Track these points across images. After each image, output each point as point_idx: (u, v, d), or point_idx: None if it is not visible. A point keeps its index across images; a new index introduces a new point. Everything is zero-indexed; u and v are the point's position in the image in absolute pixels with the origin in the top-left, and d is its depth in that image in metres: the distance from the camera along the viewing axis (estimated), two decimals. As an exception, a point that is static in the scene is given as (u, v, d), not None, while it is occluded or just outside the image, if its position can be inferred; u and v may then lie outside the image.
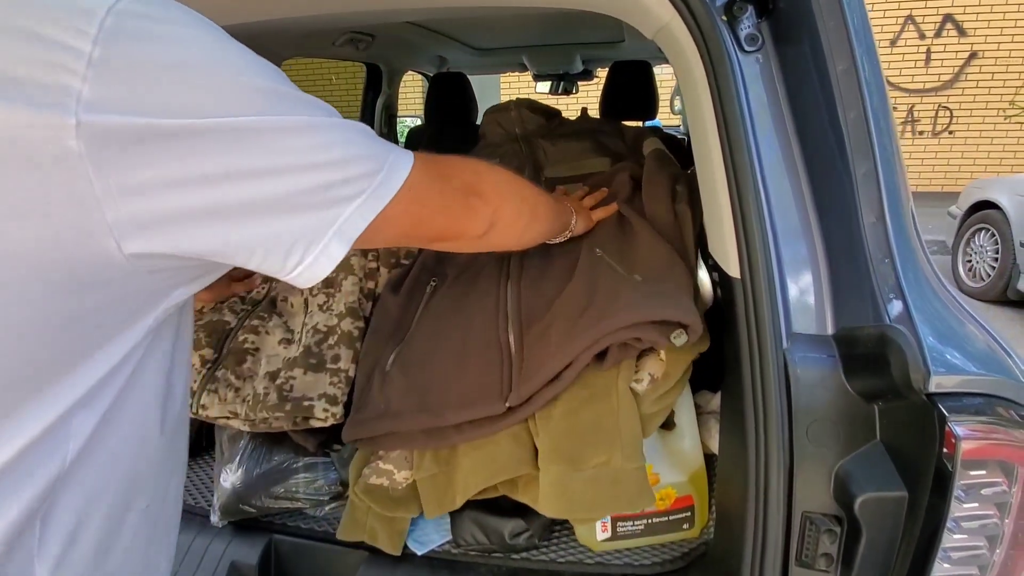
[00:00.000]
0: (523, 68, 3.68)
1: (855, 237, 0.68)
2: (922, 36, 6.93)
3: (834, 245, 0.72)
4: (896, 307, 0.63)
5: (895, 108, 7.18)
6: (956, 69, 6.91)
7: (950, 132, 7.12)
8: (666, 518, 0.94)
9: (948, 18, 6.82)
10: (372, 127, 2.58)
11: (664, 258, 0.93)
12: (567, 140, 1.41)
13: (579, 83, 3.93)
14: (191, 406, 1.08)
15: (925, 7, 6.81)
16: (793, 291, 0.72)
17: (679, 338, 0.80)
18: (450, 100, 2.96)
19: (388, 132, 3.21)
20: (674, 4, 0.77)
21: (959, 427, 0.55)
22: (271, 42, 1.90)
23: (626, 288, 0.88)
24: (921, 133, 7.23)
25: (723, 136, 0.74)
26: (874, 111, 0.69)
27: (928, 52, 6.96)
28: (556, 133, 1.46)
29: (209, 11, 1.13)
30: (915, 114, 7.16)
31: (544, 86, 4.06)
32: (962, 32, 6.76)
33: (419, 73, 3.51)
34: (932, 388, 0.57)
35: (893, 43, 7.01)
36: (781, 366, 0.68)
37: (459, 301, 1.05)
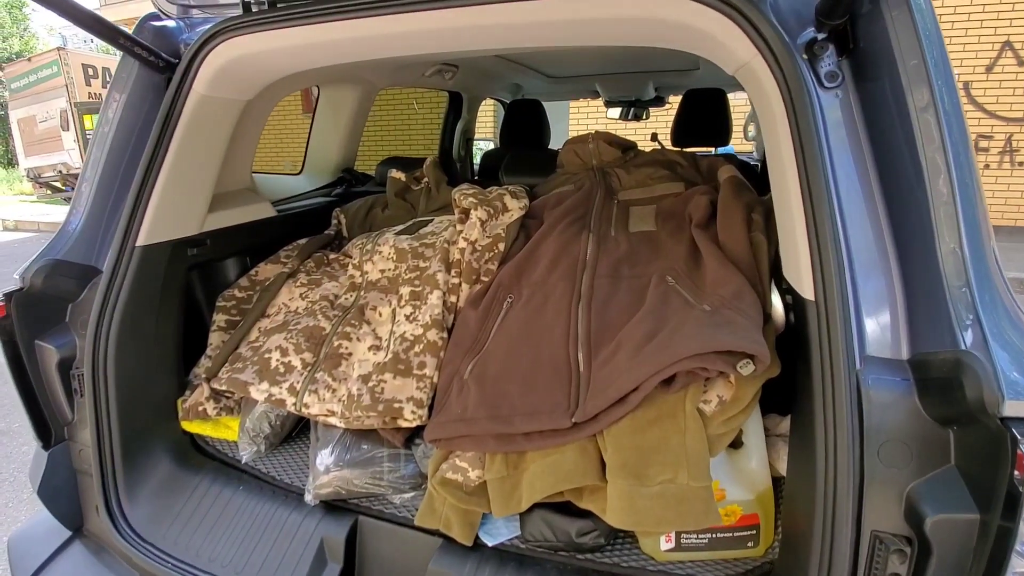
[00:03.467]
0: (595, 95, 3.78)
1: (932, 265, 0.71)
2: (1021, 62, 6.49)
3: (911, 272, 0.74)
4: (972, 333, 0.65)
5: (992, 137, 6.72)
6: (1062, 96, 6.42)
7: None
8: (731, 534, 0.96)
9: (1053, 43, 6.38)
10: (452, 150, 2.76)
11: (735, 288, 0.97)
12: (641, 168, 1.47)
13: (650, 109, 3.97)
14: (295, 405, 1.22)
15: (1026, 32, 6.41)
16: (867, 315, 0.75)
17: (746, 368, 0.84)
18: (525, 126, 3.09)
19: (465, 154, 3.38)
20: (755, 44, 0.83)
21: (1031, 452, 0.57)
22: (369, 74, 2.10)
23: (693, 318, 0.92)
24: (1021, 164, 6.72)
25: (800, 166, 0.78)
26: (953, 144, 0.71)
27: (1030, 79, 6.52)
28: (632, 163, 1.53)
29: (322, 55, 1.28)
30: (1014, 143, 6.68)
31: (614, 112, 4.12)
32: (1068, 58, 6.29)
33: (496, 100, 3.68)
34: (1006, 412, 0.59)
35: (989, 69, 6.60)
36: (853, 387, 0.71)
37: (532, 319, 1.12)
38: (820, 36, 0.83)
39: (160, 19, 1.30)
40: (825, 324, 0.74)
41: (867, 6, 0.80)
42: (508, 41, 1.04)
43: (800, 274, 0.80)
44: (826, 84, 0.83)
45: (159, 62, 1.23)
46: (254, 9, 1.14)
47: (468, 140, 3.30)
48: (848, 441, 0.70)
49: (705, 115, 2.57)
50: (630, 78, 3.17)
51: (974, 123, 6.75)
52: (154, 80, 1.27)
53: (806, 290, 0.78)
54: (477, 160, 3.57)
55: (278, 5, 1.11)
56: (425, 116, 8.44)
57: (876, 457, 0.70)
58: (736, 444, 1.01)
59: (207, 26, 1.18)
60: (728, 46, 0.87)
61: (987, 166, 6.82)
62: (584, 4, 0.90)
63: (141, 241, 1.23)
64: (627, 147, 1.62)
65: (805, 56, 0.84)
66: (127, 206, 1.21)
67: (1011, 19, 6.40)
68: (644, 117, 4.07)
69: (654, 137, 3.72)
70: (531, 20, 0.94)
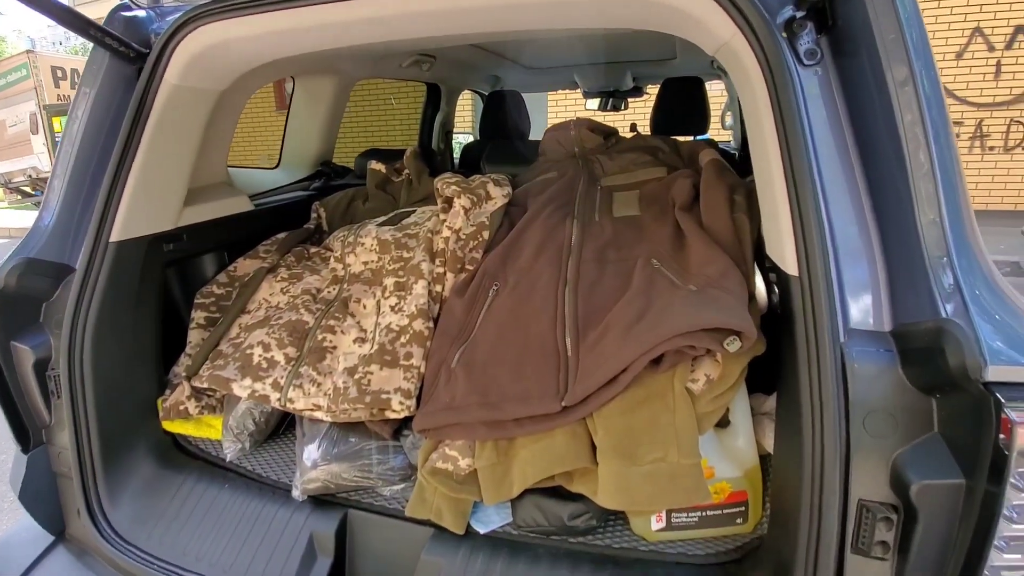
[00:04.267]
0: (574, 86, 3.78)
1: (912, 236, 0.72)
2: (991, 48, 6.63)
3: (891, 245, 0.75)
4: (953, 302, 0.66)
5: (962, 123, 6.87)
6: (1029, 82, 6.58)
7: (1023, 147, 6.76)
8: (720, 511, 0.97)
9: (1020, 29, 6.51)
10: (431, 143, 2.74)
11: (721, 267, 0.98)
12: (624, 154, 1.47)
13: (628, 100, 3.98)
14: (279, 400, 1.20)
15: (994, 19, 6.53)
16: (850, 288, 0.75)
17: (732, 344, 0.85)
18: (505, 117, 3.07)
19: (445, 148, 3.35)
20: (735, 22, 0.83)
21: (1015, 413, 0.58)
22: (346, 65, 2.07)
23: (680, 298, 0.93)
24: (991, 148, 6.88)
25: (783, 144, 0.79)
26: (932, 118, 0.72)
27: (998, 65, 6.65)
28: (615, 149, 1.53)
29: (296, 42, 1.26)
30: (984, 128, 6.83)
31: (593, 103, 4.13)
32: (1035, 44, 6.44)
33: (475, 92, 3.66)
34: (989, 377, 0.60)
35: (959, 56, 6.74)
36: (838, 359, 0.72)
37: (519, 305, 1.12)
38: (799, 14, 0.84)
39: (130, 9, 1.26)
40: (809, 299, 0.74)
41: (844, -17, 0.80)
42: (487, 24, 1.03)
43: (784, 251, 0.81)
44: (805, 62, 0.84)
45: (130, 52, 1.19)
46: (227, -5, 1.12)
47: (447, 132, 3.28)
48: (834, 412, 0.71)
49: (683, 103, 2.58)
50: (608, 68, 3.18)
51: (945, 109, 6.89)
52: (125, 72, 1.23)
53: (790, 266, 0.79)
54: (457, 154, 3.54)
55: (251, -9, 1.09)
56: (404, 110, 8.39)
57: (862, 427, 0.71)
58: (723, 423, 1.02)
59: (178, 14, 1.14)
60: (708, 25, 0.87)
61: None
62: None
63: (115, 237, 1.19)
64: (609, 133, 1.62)
65: (784, 34, 0.85)
66: (100, 201, 1.18)
67: (981, 5, 6.53)
68: (623, 107, 4.09)
69: (633, 128, 3.73)
70: (511, 1, 0.93)
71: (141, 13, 1.27)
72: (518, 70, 3.12)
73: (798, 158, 0.76)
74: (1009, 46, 6.62)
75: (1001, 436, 0.59)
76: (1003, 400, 0.58)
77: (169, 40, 1.14)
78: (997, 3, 6.50)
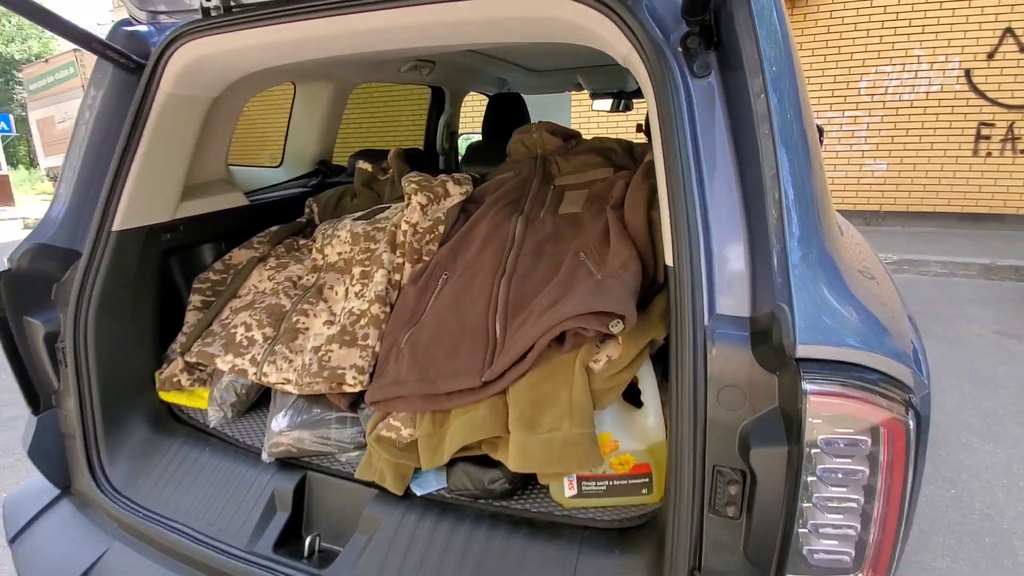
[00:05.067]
0: (579, 87, 3.86)
1: (764, 232, 0.81)
2: (1022, 49, 6.42)
3: (754, 239, 0.84)
4: (784, 289, 0.75)
5: (993, 124, 6.66)
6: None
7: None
8: (625, 481, 1.07)
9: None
10: (436, 144, 2.90)
11: (623, 259, 1.07)
12: (579, 155, 1.57)
13: (633, 101, 4.05)
14: (255, 374, 1.34)
15: (1029, 18, 6.34)
16: (720, 277, 0.84)
17: (616, 327, 0.95)
18: (506, 119, 3.19)
19: (449, 148, 3.49)
20: (629, 40, 0.93)
21: (808, 384, 0.67)
22: (344, 71, 2.21)
23: (582, 287, 1.03)
24: (1023, 152, 6.65)
25: (661, 147, 0.88)
26: (783, 126, 0.81)
27: (1033, 65, 6.45)
28: (572, 151, 1.63)
29: (290, 50, 1.40)
30: (1016, 131, 6.61)
31: (602, 104, 4.20)
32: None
33: (482, 93, 3.78)
34: (799, 355, 0.69)
35: (991, 56, 6.54)
36: (701, 340, 0.81)
37: (461, 293, 1.24)
38: (692, 31, 0.93)
39: (132, 24, 1.43)
40: (677, 285, 0.84)
41: (723, 5, 0.89)
42: (423, 40, 1.15)
43: (666, 243, 0.90)
44: (697, 74, 0.93)
45: (130, 63, 1.35)
46: (213, 14, 1.26)
47: (452, 134, 3.41)
48: (689, 386, 0.80)
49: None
50: (610, 70, 3.25)
51: (975, 111, 6.71)
52: (128, 79, 1.40)
53: (668, 257, 0.88)
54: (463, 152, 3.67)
55: (232, 10, 1.23)
56: (411, 109, 8.62)
57: (717, 401, 0.80)
58: (637, 404, 1.12)
59: (170, 30, 1.30)
60: (610, 41, 0.97)
61: (989, 154, 6.77)
62: (488, 5, 1.01)
63: (116, 226, 1.36)
64: (569, 136, 1.72)
65: (680, 49, 0.94)
66: (103, 194, 1.34)
67: (1012, 5, 6.33)
68: (632, 109, 4.15)
69: (639, 128, 3.79)
70: (442, 20, 1.05)
71: (143, 28, 1.43)
72: (521, 73, 3.22)
73: (672, 161, 0.86)
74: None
75: (804, 404, 0.68)
76: (803, 373, 0.67)
77: (162, 53, 1.29)
78: (1033, 1, 6.29)
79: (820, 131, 2.78)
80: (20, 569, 1.30)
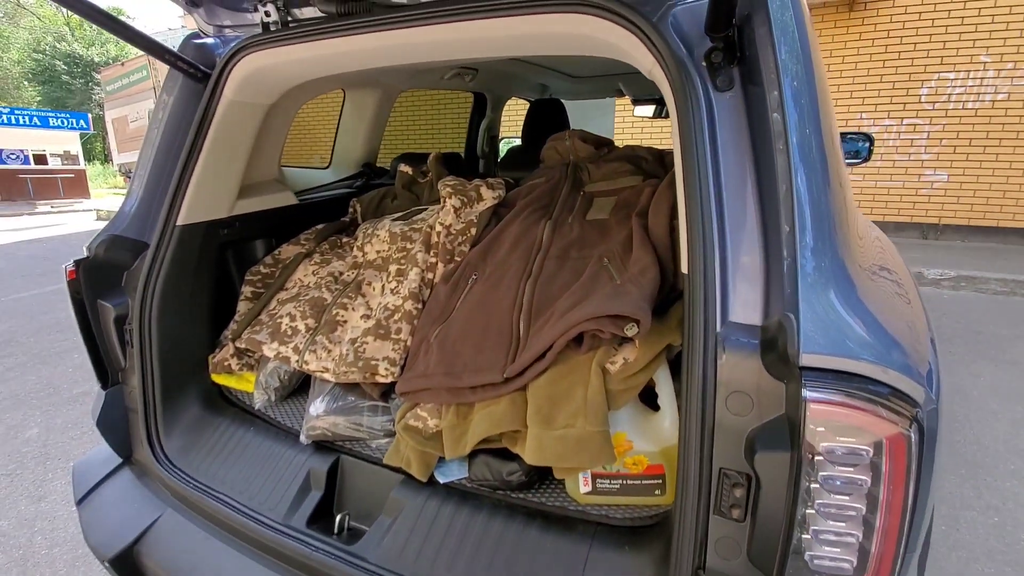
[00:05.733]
0: (620, 94, 3.87)
1: (778, 245, 0.83)
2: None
3: (769, 250, 0.87)
4: (792, 299, 0.77)
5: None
6: None
7: None
8: (639, 481, 1.10)
9: None
10: (476, 147, 3.00)
11: (643, 265, 1.11)
12: (610, 163, 1.61)
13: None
14: (297, 362, 1.45)
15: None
16: (735, 285, 0.87)
17: (631, 330, 0.99)
18: (545, 124, 3.24)
19: (490, 151, 3.57)
20: (653, 56, 0.97)
21: (809, 392, 0.69)
22: (391, 78, 2.32)
23: (604, 290, 1.08)
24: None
25: (682, 159, 0.92)
26: (801, 140, 0.83)
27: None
28: (603, 158, 1.67)
29: (341, 61, 1.51)
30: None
31: (644, 110, 4.18)
32: None
33: (524, 99, 3.85)
34: (802, 363, 0.72)
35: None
36: (712, 345, 0.85)
37: (488, 293, 1.30)
38: (716, 47, 0.96)
39: (200, 37, 1.56)
40: (691, 291, 0.87)
41: (747, 22, 0.92)
42: (464, 52, 1.22)
43: (682, 251, 0.94)
44: (720, 88, 0.96)
45: (198, 73, 1.48)
46: (272, 28, 1.38)
47: (493, 138, 3.48)
48: (699, 390, 0.83)
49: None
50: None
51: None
52: (195, 87, 1.53)
53: (685, 265, 0.92)
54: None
55: (290, 25, 1.34)
56: (455, 113, 8.86)
57: (725, 405, 0.84)
58: (655, 407, 1.15)
59: (234, 43, 1.42)
60: (636, 56, 1.02)
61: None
62: (522, 23, 1.07)
63: (180, 221, 1.49)
64: (601, 143, 1.76)
65: (704, 63, 0.97)
66: (170, 191, 1.48)
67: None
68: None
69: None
70: (480, 36, 1.12)
71: (210, 40, 1.56)
72: (562, 79, 3.27)
73: (690, 173, 0.89)
74: None
75: (804, 411, 0.70)
76: (804, 381, 0.70)
77: (226, 64, 1.41)
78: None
79: (870, 139, 2.71)
80: (85, 528, 1.44)
